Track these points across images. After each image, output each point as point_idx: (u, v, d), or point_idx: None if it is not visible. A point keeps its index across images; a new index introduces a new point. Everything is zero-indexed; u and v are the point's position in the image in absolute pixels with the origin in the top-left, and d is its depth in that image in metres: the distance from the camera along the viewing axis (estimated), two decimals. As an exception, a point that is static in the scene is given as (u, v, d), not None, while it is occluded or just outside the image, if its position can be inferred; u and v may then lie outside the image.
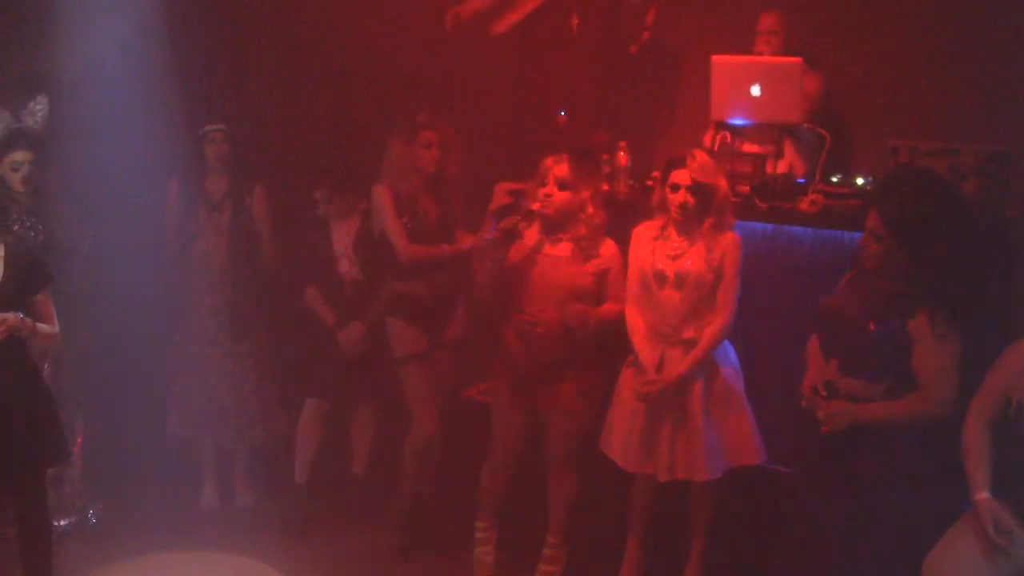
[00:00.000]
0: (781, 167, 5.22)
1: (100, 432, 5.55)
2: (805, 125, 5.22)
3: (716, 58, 5.20)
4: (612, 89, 6.01)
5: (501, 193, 4.76)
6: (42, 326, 4.23)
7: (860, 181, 5.01)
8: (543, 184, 4.71)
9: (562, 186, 4.69)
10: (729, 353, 4.68)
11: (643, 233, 4.67)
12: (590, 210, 4.71)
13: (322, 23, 6.39)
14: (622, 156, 5.41)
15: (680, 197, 4.51)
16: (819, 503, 4.18)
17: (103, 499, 5.54)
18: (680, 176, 4.51)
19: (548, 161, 4.73)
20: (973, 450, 3.82)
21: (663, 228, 4.62)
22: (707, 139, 5.41)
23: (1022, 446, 3.72)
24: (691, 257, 4.55)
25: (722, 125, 5.28)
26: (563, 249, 4.75)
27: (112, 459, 5.65)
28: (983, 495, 3.74)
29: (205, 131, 5.48)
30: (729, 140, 5.27)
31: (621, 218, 4.88)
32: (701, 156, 4.56)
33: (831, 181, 5.06)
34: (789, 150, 5.22)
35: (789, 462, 4.68)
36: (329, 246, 5.43)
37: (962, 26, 5.47)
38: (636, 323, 4.67)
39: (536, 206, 4.72)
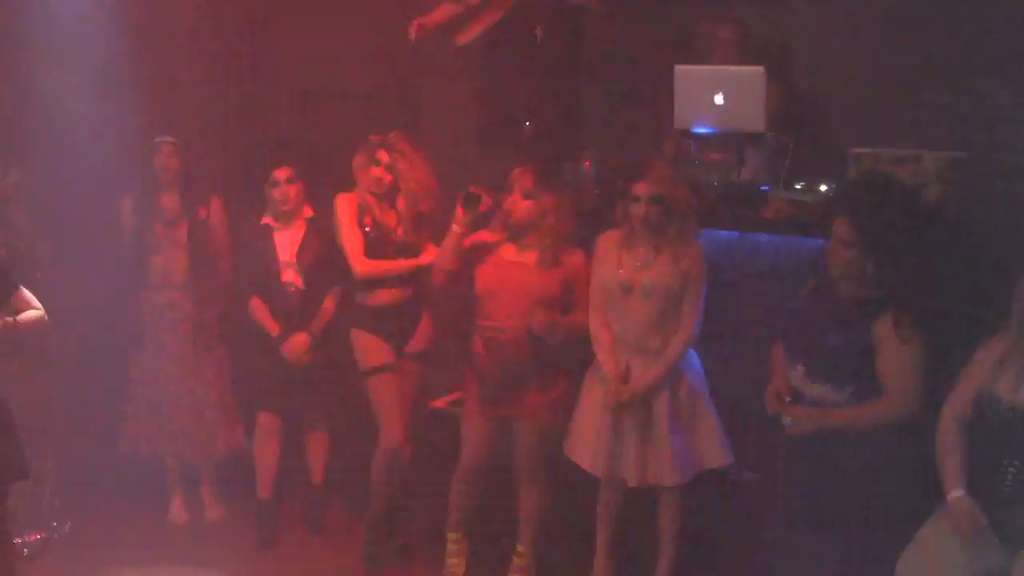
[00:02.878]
0: (744, 175, 5.25)
1: (66, 447, 5.51)
2: (768, 133, 5.25)
3: (680, 67, 5.24)
4: (577, 98, 6.01)
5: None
6: (24, 316, 4.18)
7: (823, 188, 5.07)
8: (510, 193, 4.73)
9: (526, 195, 4.72)
10: (693, 358, 4.70)
11: (607, 243, 4.68)
12: (552, 219, 4.73)
13: (283, 33, 6.36)
14: (587, 165, 5.44)
15: (641, 209, 4.52)
16: (787, 508, 4.20)
17: (70, 515, 5.49)
18: (639, 188, 4.52)
19: (516, 171, 4.76)
20: (947, 448, 3.87)
21: (627, 238, 4.62)
22: (671, 147, 5.45)
23: (991, 439, 3.76)
24: (658, 268, 4.56)
25: (686, 134, 5.32)
26: (529, 256, 4.77)
27: (79, 474, 5.61)
28: (959, 493, 3.78)
29: (154, 143, 5.45)
30: (693, 148, 5.31)
31: (586, 227, 4.89)
32: (659, 167, 4.58)
33: (795, 189, 5.11)
34: (752, 158, 5.26)
35: (756, 468, 4.71)
36: (273, 256, 5.40)
37: (922, 33, 5.51)
38: (600, 333, 4.67)
39: (506, 208, 4.74)
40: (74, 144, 5.53)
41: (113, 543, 5.41)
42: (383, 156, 5.18)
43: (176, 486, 5.75)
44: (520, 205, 4.74)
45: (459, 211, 4.78)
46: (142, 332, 5.54)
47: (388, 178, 5.18)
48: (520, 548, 5.04)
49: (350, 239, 5.19)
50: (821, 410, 4.06)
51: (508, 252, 4.83)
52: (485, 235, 4.88)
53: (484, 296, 4.82)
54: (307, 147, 5.90)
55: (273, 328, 5.38)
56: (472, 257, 4.86)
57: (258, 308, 5.42)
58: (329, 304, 5.42)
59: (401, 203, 5.22)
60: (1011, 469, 3.69)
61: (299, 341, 5.38)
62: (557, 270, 4.76)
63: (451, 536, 5.08)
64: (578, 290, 4.76)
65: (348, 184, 5.26)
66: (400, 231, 5.21)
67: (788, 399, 4.13)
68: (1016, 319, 3.78)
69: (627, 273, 4.59)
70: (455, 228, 4.80)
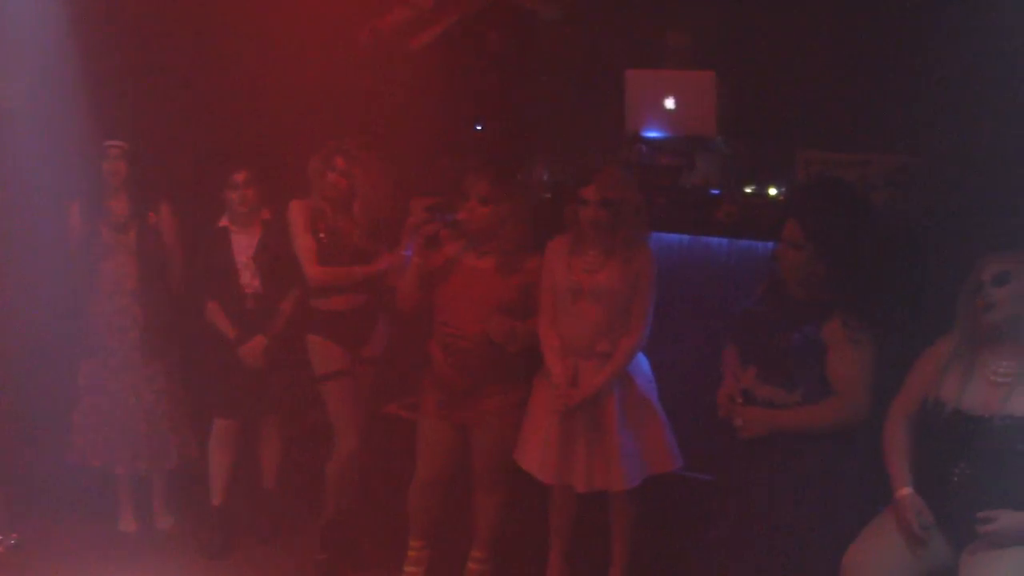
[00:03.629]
0: (695, 179, 5.28)
1: (11, 458, 5.44)
2: (718, 137, 5.29)
3: (631, 72, 5.26)
4: (530, 103, 6.03)
5: (418, 209, 4.76)
6: None
7: (773, 191, 5.11)
8: (466, 199, 4.71)
9: (484, 201, 4.69)
10: (641, 362, 4.70)
11: (557, 247, 4.67)
12: (511, 225, 4.72)
13: (236, 35, 6.32)
14: (539, 169, 5.46)
15: (590, 212, 4.51)
16: (738, 509, 4.21)
17: (17, 527, 5.42)
18: (588, 192, 4.51)
19: (470, 176, 4.73)
20: (893, 447, 3.94)
21: (577, 242, 4.61)
22: (623, 152, 5.46)
23: (938, 441, 3.81)
24: (608, 271, 4.55)
25: (637, 138, 5.34)
26: (488, 262, 4.75)
27: (25, 485, 5.53)
28: (906, 490, 3.85)
29: (102, 147, 5.40)
30: (644, 152, 5.33)
31: (539, 231, 4.89)
32: (609, 170, 4.57)
33: (745, 192, 5.14)
34: (703, 162, 5.29)
35: (708, 470, 4.72)
36: (230, 258, 5.38)
37: (870, 38, 5.57)
38: (548, 337, 4.66)
39: (463, 215, 4.72)
40: (19, 149, 5.46)
41: (61, 554, 5.34)
42: (340, 162, 5.15)
43: (126, 495, 5.68)
44: (478, 212, 4.70)
45: (417, 244, 4.74)
46: (91, 339, 5.47)
47: (345, 183, 5.15)
48: (476, 553, 5.02)
49: (304, 246, 5.16)
50: (773, 411, 4.07)
51: (467, 258, 4.79)
52: (446, 250, 4.83)
53: (443, 302, 4.79)
54: (263, 150, 5.86)
55: (229, 331, 5.35)
56: (436, 275, 4.82)
57: (214, 312, 5.38)
58: (287, 307, 5.39)
59: (357, 208, 5.19)
60: (956, 471, 3.74)
61: (257, 344, 5.35)
62: (516, 276, 4.74)
63: (413, 544, 5.04)
64: (536, 295, 4.75)
65: (304, 186, 5.23)
66: (356, 236, 5.19)
67: (740, 401, 4.14)
68: (960, 322, 3.84)
69: (576, 277, 4.58)
70: (414, 259, 4.77)
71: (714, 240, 5.02)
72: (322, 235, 5.16)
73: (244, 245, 5.39)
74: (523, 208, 4.79)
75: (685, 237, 5.08)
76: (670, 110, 5.23)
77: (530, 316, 4.74)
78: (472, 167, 4.82)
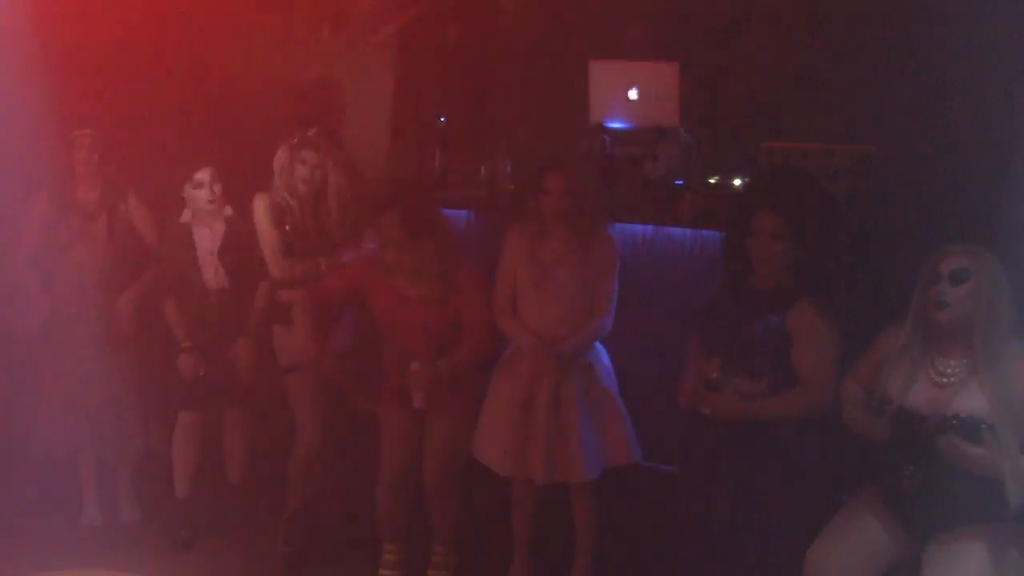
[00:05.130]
0: (658, 170, 5.30)
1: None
2: (682, 128, 5.32)
3: (594, 62, 5.27)
4: (490, 94, 6.03)
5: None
6: None
7: (736, 182, 5.14)
8: (388, 247, 4.58)
9: (402, 249, 4.56)
10: (602, 354, 4.71)
11: (517, 238, 4.67)
12: (436, 260, 4.62)
13: (200, 25, 6.28)
14: (502, 161, 5.47)
15: (554, 201, 4.52)
16: (703, 501, 4.23)
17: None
18: (552, 181, 4.52)
19: (383, 223, 4.57)
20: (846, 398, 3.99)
21: (539, 232, 4.62)
22: (586, 142, 5.49)
23: (888, 438, 3.79)
24: (571, 260, 4.56)
25: (600, 128, 5.35)
26: (421, 288, 4.68)
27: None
28: None
29: (72, 136, 5.36)
30: (608, 143, 5.35)
31: (502, 222, 4.88)
32: (572, 160, 4.59)
33: (708, 183, 5.17)
34: (666, 152, 5.31)
35: (672, 461, 4.74)
36: (193, 254, 5.34)
37: (833, 28, 5.61)
38: (506, 317, 4.64)
39: (390, 260, 4.61)
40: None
41: (23, 549, 5.28)
42: (310, 156, 5.11)
43: (90, 487, 5.65)
44: (401, 258, 4.58)
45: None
46: (54, 329, 5.44)
47: (317, 176, 5.11)
48: (438, 548, 5.03)
49: (268, 240, 5.13)
50: (741, 402, 4.08)
51: (402, 287, 4.70)
52: (370, 268, 4.78)
53: (383, 325, 4.78)
54: (226, 145, 5.82)
55: (182, 336, 5.31)
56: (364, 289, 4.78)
57: (171, 311, 5.34)
58: (260, 302, 5.35)
59: (329, 201, 5.16)
60: (907, 471, 3.74)
61: (246, 348, 5.32)
62: (450, 298, 4.66)
63: (387, 547, 5.01)
64: (466, 313, 4.66)
65: (266, 179, 5.20)
66: (329, 226, 5.16)
67: (706, 391, 4.14)
68: (913, 313, 3.79)
69: (540, 267, 4.59)
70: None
71: (677, 231, 5.04)
72: (287, 227, 5.14)
73: (206, 241, 5.35)
74: (443, 241, 4.67)
75: (648, 228, 5.09)
76: (633, 101, 5.25)
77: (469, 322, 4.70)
78: (382, 215, 4.62)
